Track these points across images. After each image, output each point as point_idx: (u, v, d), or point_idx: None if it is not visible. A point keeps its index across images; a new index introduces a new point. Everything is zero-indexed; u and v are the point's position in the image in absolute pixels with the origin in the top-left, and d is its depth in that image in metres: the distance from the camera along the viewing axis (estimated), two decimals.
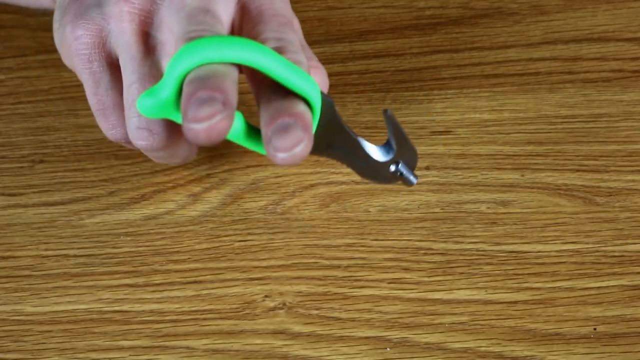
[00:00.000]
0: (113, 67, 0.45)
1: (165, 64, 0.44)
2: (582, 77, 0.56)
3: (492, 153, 0.53)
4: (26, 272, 0.49)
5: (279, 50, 0.42)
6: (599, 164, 0.52)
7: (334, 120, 0.45)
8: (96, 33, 0.44)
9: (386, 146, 0.47)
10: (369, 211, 0.51)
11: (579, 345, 0.45)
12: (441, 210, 0.50)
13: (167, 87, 0.41)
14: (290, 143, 0.39)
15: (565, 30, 0.59)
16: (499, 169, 0.52)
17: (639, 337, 0.45)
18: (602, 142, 0.53)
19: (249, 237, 0.50)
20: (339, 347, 0.45)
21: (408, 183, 0.47)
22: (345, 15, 0.61)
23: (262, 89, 0.41)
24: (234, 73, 0.40)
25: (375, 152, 0.47)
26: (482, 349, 0.45)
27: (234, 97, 0.39)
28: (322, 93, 0.44)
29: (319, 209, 0.51)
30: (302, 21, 0.60)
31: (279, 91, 0.41)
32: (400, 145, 0.46)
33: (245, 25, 0.44)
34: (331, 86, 0.57)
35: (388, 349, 0.45)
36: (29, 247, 0.50)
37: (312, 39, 0.59)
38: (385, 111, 0.45)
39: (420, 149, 0.53)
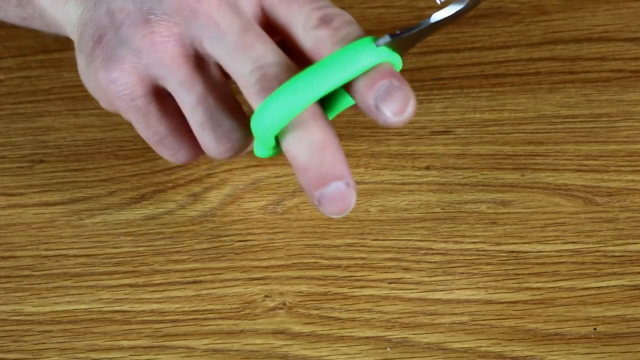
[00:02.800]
0: (158, 96, 0.45)
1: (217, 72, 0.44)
2: (582, 77, 0.56)
3: (492, 153, 0.53)
4: (26, 272, 0.49)
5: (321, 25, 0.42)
6: (599, 164, 0.52)
7: (402, 39, 0.43)
8: (131, 71, 0.44)
9: None
10: (369, 211, 0.51)
11: (579, 345, 0.45)
12: (441, 210, 0.50)
13: (264, 147, 0.43)
14: (401, 104, 0.40)
15: (566, 30, 0.59)
16: (499, 169, 0.52)
17: (639, 337, 0.45)
18: (602, 142, 0.53)
19: (249, 237, 0.50)
20: (339, 347, 0.45)
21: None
22: None
23: None
24: (323, 118, 0.42)
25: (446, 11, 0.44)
26: (482, 349, 0.45)
27: (344, 162, 0.42)
28: (387, 45, 0.42)
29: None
30: None
31: None
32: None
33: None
34: None
35: (388, 349, 0.45)
36: (29, 247, 0.50)
37: None
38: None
39: (420, 149, 0.53)
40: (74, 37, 0.47)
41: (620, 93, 0.55)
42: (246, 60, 0.42)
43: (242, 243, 0.50)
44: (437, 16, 0.43)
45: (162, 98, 0.45)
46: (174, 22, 0.43)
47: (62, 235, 0.51)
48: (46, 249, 0.50)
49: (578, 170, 0.51)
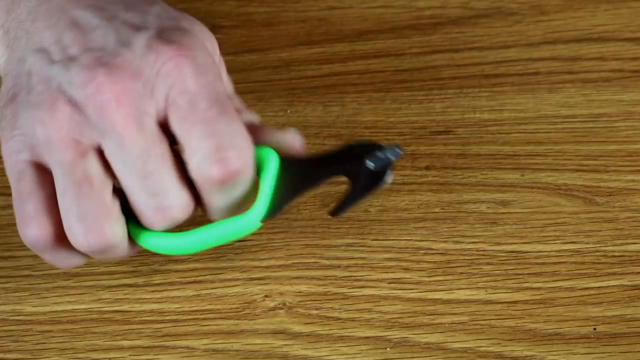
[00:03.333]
0: (41, 174, 0.43)
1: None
2: (582, 77, 0.56)
3: (492, 153, 0.53)
4: (26, 272, 0.49)
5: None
6: (599, 164, 0.52)
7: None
8: (22, 144, 0.42)
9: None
10: (369, 211, 0.51)
11: (579, 345, 0.45)
12: (441, 210, 0.50)
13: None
14: None
15: (565, 30, 0.59)
16: (499, 168, 0.52)
17: (639, 337, 0.45)
18: (602, 142, 0.53)
19: (249, 237, 0.50)
20: (339, 347, 0.45)
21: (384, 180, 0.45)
22: (345, 15, 0.61)
23: None
24: None
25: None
26: (482, 349, 0.45)
27: None
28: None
29: (319, 208, 0.51)
30: (302, 21, 0.60)
31: None
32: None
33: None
34: (331, 86, 0.57)
35: (388, 349, 0.45)
36: None
37: (312, 39, 0.59)
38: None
39: (420, 149, 0.53)
40: None
41: (620, 93, 0.55)
42: (142, 189, 0.42)
43: (242, 243, 0.50)
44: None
45: (40, 172, 0.43)
46: (76, 110, 0.41)
47: None
48: None
49: (578, 170, 0.51)
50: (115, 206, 0.43)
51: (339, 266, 0.48)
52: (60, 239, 0.43)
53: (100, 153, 0.42)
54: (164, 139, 0.42)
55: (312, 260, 0.49)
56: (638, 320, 0.45)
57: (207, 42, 0.43)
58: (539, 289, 0.47)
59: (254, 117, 0.45)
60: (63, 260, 0.44)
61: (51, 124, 0.41)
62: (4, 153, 0.43)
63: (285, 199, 0.44)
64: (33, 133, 0.42)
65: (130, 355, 0.46)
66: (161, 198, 0.42)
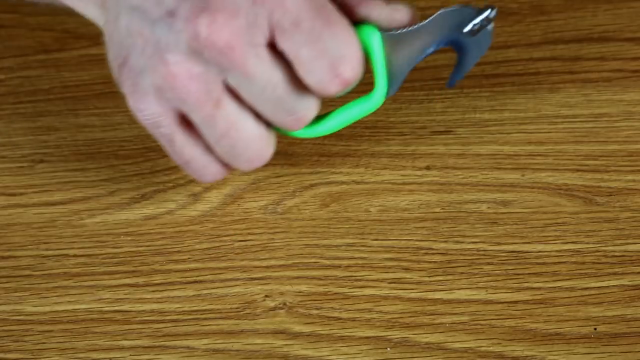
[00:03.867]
0: (183, 124, 0.45)
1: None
2: (582, 77, 0.56)
3: (493, 153, 0.53)
4: (26, 272, 0.49)
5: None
6: (599, 164, 0.52)
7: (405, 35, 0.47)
8: (155, 103, 0.44)
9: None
10: (369, 211, 0.51)
11: (579, 345, 0.45)
12: (441, 210, 0.50)
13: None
14: None
15: (566, 30, 0.59)
16: (499, 168, 0.52)
17: (639, 337, 0.45)
18: (602, 142, 0.53)
19: (249, 237, 0.50)
20: (339, 347, 0.45)
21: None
22: None
23: None
24: None
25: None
26: (483, 348, 0.45)
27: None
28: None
29: (319, 209, 0.51)
30: None
31: None
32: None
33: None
34: None
35: (388, 349, 0.45)
36: (29, 247, 0.50)
37: None
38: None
39: (420, 149, 0.53)
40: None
41: (620, 93, 0.55)
42: (279, 111, 0.45)
43: (242, 243, 0.50)
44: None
45: (186, 125, 0.45)
46: (194, 62, 0.43)
47: (62, 235, 0.51)
48: (46, 249, 0.50)
49: (578, 170, 0.51)
50: (261, 129, 0.46)
51: (339, 266, 0.48)
52: (228, 168, 0.48)
53: (231, 90, 0.44)
54: (279, 61, 0.44)
55: (313, 260, 0.49)
56: (638, 320, 0.45)
57: None
58: (539, 289, 0.47)
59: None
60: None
61: (178, 84, 0.43)
62: (141, 117, 0.45)
63: (399, 73, 0.47)
64: (161, 97, 0.43)
65: (130, 355, 0.46)
66: (295, 113, 0.45)
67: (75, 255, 0.50)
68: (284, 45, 0.43)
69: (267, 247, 0.49)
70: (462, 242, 0.49)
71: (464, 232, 0.49)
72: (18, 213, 0.52)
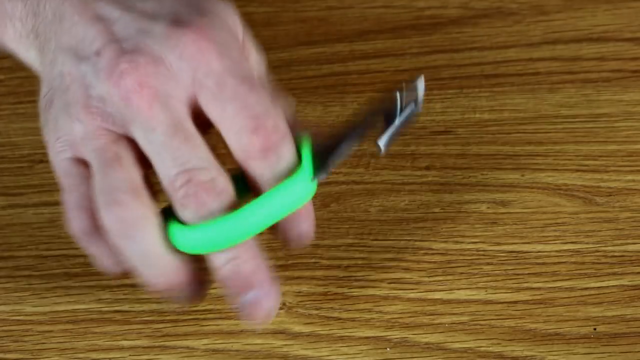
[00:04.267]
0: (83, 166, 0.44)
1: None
2: (582, 77, 0.56)
3: (492, 153, 0.53)
4: (26, 272, 0.49)
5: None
6: (599, 164, 0.52)
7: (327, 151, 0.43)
8: (67, 144, 0.43)
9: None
10: (369, 211, 0.51)
11: (579, 345, 0.45)
12: (441, 210, 0.50)
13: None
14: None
15: (565, 30, 0.59)
16: (499, 169, 0.52)
17: (639, 337, 0.45)
18: (602, 142, 0.53)
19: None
20: (339, 347, 0.45)
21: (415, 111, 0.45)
22: (345, 15, 0.61)
23: None
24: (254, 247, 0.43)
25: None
26: (482, 349, 0.45)
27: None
28: (309, 149, 0.43)
29: (319, 209, 0.51)
30: (302, 21, 0.60)
31: None
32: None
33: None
34: (331, 86, 0.57)
35: (388, 349, 0.45)
36: (29, 247, 0.50)
37: (312, 39, 0.59)
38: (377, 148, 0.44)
39: (420, 149, 0.53)
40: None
41: (620, 93, 0.55)
42: (171, 162, 0.41)
43: None
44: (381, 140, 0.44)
45: (82, 168, 0.44)
46: (109, 103, 0.42)
47: (62, 235, 0.51)
48: (46, 249, 0.50)
49: (578, 170, 0.51)
50: (144, 191, 0.42)
51: (339, 266, 0.48)
52: (100, 230, 0.42)
53: (133, 143, 0.42)
54: (191, 120, 0.42)
55: (312, 260, 0.49)
56: (638, 320, 0.45)
57: (230, 20, 0.43)
58: (539, 289, 0.47)
59: (286, 105, 0.45)
60: (106, 257, 0.44)
61: (86, 119, 0.42)
62: (51, 157, 0.44)
63: (331, 159, 0.43)
64: (71, 131, 0.43)
65: (130, 355, 0.46)
66: (193, 174, 0.41)
67: (75, 255, 0.50)
68: (205, 104, 0.41)
69: (266, 247, 0.49)
70: (462, 242, 0.49)
71: (463, 232, 0.49)
72: (18, 213, 0.52)
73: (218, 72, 0.41)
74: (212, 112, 0.42)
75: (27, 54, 0.46)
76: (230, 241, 0.41)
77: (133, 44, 0.41)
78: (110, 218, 0.41)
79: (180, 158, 0.41)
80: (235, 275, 0.42)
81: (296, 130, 0.43)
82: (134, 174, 0.42)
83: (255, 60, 0.45)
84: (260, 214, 0.41)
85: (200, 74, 0.41)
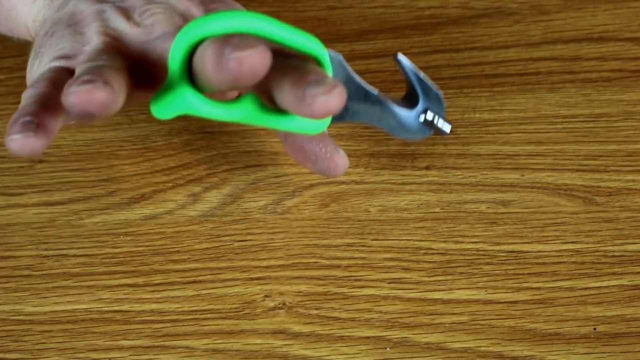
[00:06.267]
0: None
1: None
2: (582, 77, 0.56)
3: (492, 153, 0.53)
4: (26, 272, 0.49)
5: None
6: (599, 164, 0.52)
7: (347, 79, 0.45)
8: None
9: (408, 97, 0.47)
10: (369, 211, 0.51)
11: (579, 345, 0.45)
12: (441, 210, 0.50)
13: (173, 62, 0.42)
14: (326, 89, 0.39)
15: (565, 30, 0.59)
16: (499, 168, 0.52)
17: (639, 337, 0.45)
18: (602, 142, 0.53)
19: (249, 237, 0.50)
20: (338, 347, 0.45)
21: (441, 132, 0.48)
22: (345, 15, 0.61)
23: (273, 70, 0.40)
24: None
25: (399, 105, 0.47)
26: (482, 348, 0.45)
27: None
28: (329, 51, 0.44)
29: (319, 209, 0.51)
30: (302, 21, 0.60)
31: (292, 63, 0.41)
32: (425, 93, 0.46)
33: None
34: None
35: (388, 348, 0.45)
36: (29, 247, 0.50)
37: None
38: (395, 55, 0.45)
39: (420, 149, 0.53)
40: (33, 34, 0.48)
41: (620, 93, 0.55)
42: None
43: (242, 243, 0.50)
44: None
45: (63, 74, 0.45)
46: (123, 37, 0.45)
47: (62, 235, 0.51)
48: (46, 249, 0.50)
49: (578, 170, 0.51)
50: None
51: (339, 266, 0.48)
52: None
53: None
54: None
55: (312, 260, 0.49)
56: (638, 320, 0.45)
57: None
58: (539, 289, 0.47)
59: None
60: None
61: (98, 39, 0.44)
62: (39, 70, 0.45)
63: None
64: (76, 45, 0.44)
65: (130, 355, 0.46)
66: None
67: (74, 255, 0.50)
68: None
69: (266, 247, 0.49)
70: (462, 242, 0.49)
71: (463, 232, 0.49)
72: (18, 213, 0.52)
73: None
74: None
75: (33, 5, 0.48)
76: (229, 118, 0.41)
77: None
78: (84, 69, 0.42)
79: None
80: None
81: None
82: (122, 63, 0.43)
83: None
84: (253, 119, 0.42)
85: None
